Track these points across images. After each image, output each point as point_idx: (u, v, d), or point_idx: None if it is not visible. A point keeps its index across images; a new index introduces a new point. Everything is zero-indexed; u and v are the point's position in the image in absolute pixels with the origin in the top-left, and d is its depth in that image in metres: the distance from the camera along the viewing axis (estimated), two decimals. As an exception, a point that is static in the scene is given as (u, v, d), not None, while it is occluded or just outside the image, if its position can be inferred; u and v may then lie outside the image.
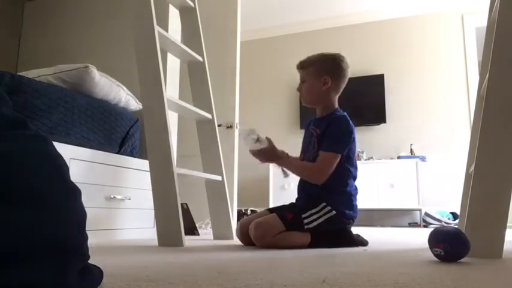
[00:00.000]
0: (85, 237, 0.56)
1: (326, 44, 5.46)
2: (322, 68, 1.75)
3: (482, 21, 2.53)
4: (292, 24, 5.55)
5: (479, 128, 1.34)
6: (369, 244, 1.69)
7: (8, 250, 0.44)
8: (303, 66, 1.78)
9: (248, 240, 1.63)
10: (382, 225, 4.65)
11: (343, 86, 1.80)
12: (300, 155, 1.86)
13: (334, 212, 1.60)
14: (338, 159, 1.64)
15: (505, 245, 1.25)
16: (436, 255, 1.13)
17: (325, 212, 1.60)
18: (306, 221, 1.58)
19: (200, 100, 2.25)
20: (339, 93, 1.81)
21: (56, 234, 0.49)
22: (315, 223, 1.58)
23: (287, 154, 1.82)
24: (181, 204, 1.83)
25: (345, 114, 1.76)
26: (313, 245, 1.57)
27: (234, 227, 2.36)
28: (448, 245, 1.09)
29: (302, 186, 1.79)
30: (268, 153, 1.73)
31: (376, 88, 5.01)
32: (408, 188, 4.48)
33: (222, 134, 2.78)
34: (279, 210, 1.71)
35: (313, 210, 1.61)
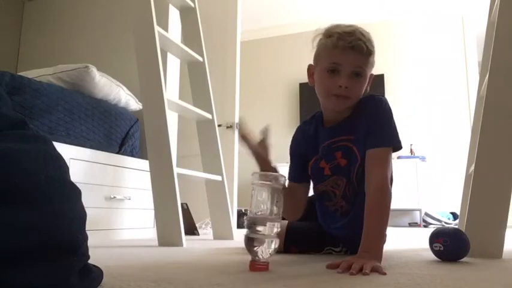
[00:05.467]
0: (85, 237, 0.56)
1: (326, 44, 5.45)
2: (374, 62, 1.17)
3: (482, 21, 2.54)
4: (292, 24, 5.55)
5: (479, 128, 1.34)
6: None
7: (8, 250, 0.44)
8: (368, 52, 1.11)
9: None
10: (382, 225, 4.64)
11: None
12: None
13: None
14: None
15: (505, 245, 1.25)
16: (435, 252, 1.13)
17: None
18: None
19: (200, 100, 2.25)
20: None
21: (56, 234, 0.49)
22: None
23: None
24: (181, 204, 1.83)
25: None
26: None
27: (234, 227, 2.36)
28: (448, 239, 1.10)
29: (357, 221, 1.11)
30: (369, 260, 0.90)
31: (376, 88, 5.01)
32: (408, 188, 4.47)
33: (222, 134, 2.78)
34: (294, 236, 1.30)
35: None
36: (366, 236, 1.00)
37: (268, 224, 0.89)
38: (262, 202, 0.90)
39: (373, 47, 1.13)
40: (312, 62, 1.21)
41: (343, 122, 1.20)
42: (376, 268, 0.86)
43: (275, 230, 0.90)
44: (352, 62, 1.09)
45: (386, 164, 1.09)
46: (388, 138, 1.13)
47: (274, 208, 0.90)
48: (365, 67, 1.12)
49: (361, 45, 1.09)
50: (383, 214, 1.03)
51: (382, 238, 1.03)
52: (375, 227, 1.01)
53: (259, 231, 0.89)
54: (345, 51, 1.08)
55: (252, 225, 0.90)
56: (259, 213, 0.90)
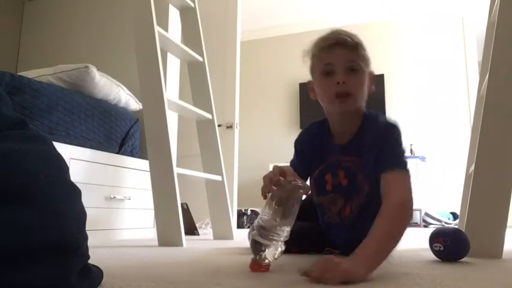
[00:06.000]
0: (85, 237, 0.56)
1: (326, 44, 5.45)
2: (369, 57, 1.14)
3: (482, 21, 2.54)
4: (292, 24, 5.55)
5: (479, 128, 1.34)
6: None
7: (8, 250, 0.44)
8: (355, 44, 1.10)
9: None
10: (382, 225, 4.64)
11: None
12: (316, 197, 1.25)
13: None
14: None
15: (505, 245, 1.25)
16: (435, 252, 1.13)
17: None
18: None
19: (200, 100, 2.25)
20: None
21: (55, 234, 0.49)
22: None
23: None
24: (181, 204, 1.83)
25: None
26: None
27: (234, 227, 2.36)
28: (448, 239, 1.10)
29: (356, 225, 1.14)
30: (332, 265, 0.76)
31: (376, 88, 5.00)
32: (408, 188, 4.46)
33: (222, 134, 2.78)
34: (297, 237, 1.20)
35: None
36: (370, 240, 0.85)
37: (278, 229, 0.86)
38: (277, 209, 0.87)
39: (358, 39, 1.11)
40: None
41: (352, 141, 1.16)
42: (348, 280, 0.72)
43: (285, 235, 0.87)
44: (342, 57, 1.08)
45: (409, 186, 0.99)
46: (402, 162, 1.05)
47: (288, 215, 0.87)
48: (358, 60, 1.09)
49: (345, 38, 1.09)
50: (397, 227, 0.90)
51: (384, 250, 0.86)
52: (383, 236, 0.87)
53: (268, 235, 0.86)
54: (332, 49, 1.09)
55: (261, 229, 0.86)
56: (271, 217, 0.87)
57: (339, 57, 1.08)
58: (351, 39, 1.09)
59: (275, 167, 0.96)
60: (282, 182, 0.89)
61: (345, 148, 1.16)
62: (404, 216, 0.93)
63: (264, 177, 0.94)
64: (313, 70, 1.17)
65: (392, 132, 1.10)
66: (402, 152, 1.08)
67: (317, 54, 1.13)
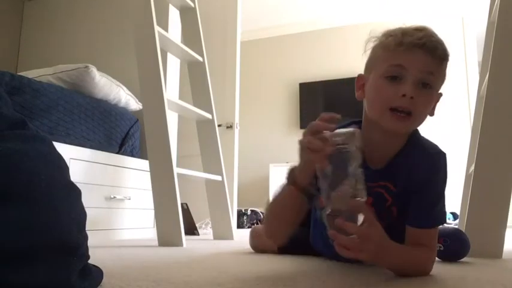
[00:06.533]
0: (85, 237, 0.56)
1: (327, 44, 5.46)
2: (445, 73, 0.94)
3: (482, 21, 2.54)
4: (292, 24, 5.55)
5: (479, 128, 1.34)
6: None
7: (9, 250, 0.44)
8: (443, 56, 0.89)
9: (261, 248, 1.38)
10: (382, 225, 4.64)
11: None
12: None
13: None
14: None
15: (505, 245, 1.25)
16: None
17: None
18: None
19: (200, 100, 2.25)
20: None
21: (56, 234, 0.49)
22: None
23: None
24: (181, 204, 1.84)
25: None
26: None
27: (234, 227, 2.36)
28: (448, 239, 1.10)
29: None
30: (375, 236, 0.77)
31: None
32: (408, 188, 4.46)
33: (222, 134, 2.78)
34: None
35: None
36: (400, 247, 0.83)
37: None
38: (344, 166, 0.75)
39: (448, 52, 0.90)
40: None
41: (389, 165, 0.93)
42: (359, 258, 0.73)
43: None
44: (421, 65, 0.84)
45: (434, 246, 0.90)
46: (439, 218, 0.95)
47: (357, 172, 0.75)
48: (436, 76, 0.87)
49: (435, 44, 0.85)
50: (416, 264, 0.85)
51: (401, 261, 0.82)
52: (409, 256, 0.84)
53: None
54: (413, 51, 0.83)
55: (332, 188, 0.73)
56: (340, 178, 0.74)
57: (418, 64, 0.83)
58: (442, 49, 0.87)
59: (315, 124, 0.81)
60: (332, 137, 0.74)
61: (381, 173, 0.93)
62: (418, 271, 0.85)
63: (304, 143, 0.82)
64: (373, 64, 0.90)
65: (439, 166, 0.96)
66: (443, 202, 0.96)
67: (390, 48, 0.85)
